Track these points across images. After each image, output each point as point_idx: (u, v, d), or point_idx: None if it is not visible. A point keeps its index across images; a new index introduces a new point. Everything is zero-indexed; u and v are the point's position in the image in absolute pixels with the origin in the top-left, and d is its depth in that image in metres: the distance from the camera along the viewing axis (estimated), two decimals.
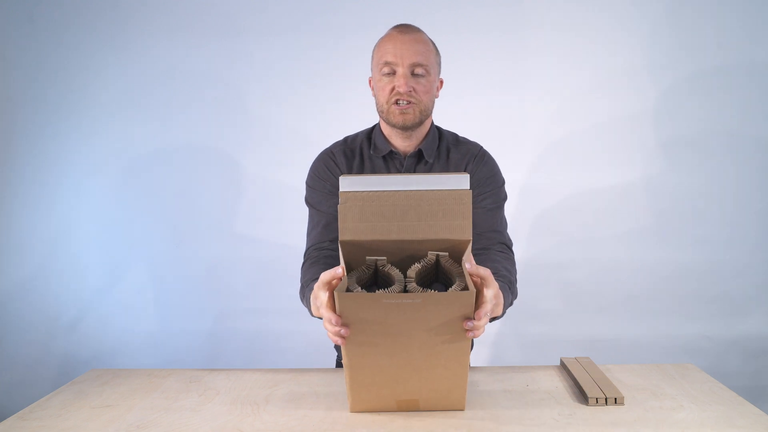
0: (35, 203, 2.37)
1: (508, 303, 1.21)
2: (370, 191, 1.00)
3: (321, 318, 1.04)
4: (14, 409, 1.20)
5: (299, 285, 1.32)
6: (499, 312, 1.15)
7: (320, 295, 1.00)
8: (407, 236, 1.02)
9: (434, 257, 1.04)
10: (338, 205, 1.01)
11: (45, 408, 1.17)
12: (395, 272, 1.02)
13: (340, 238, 1.02)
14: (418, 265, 1.02)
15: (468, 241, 1.02)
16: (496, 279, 1.17)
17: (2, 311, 2.40)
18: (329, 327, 0.99)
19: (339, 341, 1.00)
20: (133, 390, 1.25)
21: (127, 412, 1.14)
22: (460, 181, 1.01)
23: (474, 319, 0.97)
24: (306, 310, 1.27)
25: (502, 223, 1.41)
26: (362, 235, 1.02)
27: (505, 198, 1.42)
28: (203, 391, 1.24)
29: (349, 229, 1.01)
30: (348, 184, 1.00)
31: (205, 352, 2.40)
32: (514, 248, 1.42)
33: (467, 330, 0.98)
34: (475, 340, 1.62)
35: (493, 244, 1.35)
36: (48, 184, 2.37)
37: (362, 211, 1.00)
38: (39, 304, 2.40)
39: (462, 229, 1.02)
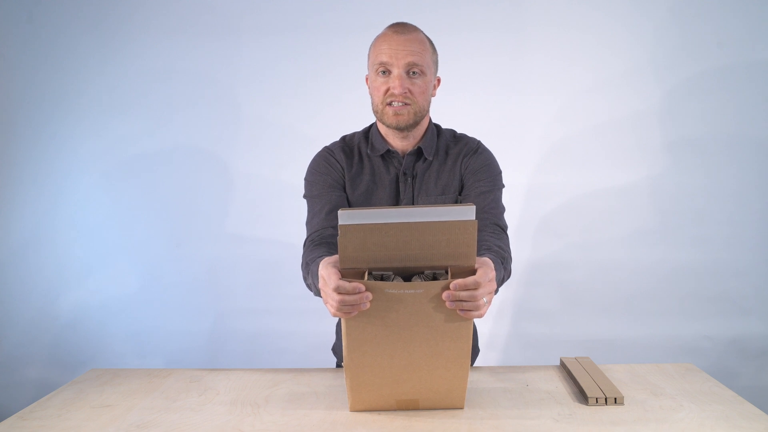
0: (34, 203, 2.37)
1: (500, 278, 1.17)
2: (371, 224, 0.96)
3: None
4: (14, 409, 1.21)
5: (301, 271, 1.29)
6: (492, 287, 1.11)
7: (332, 270, 0.99)
8: (410, 264, 1.01)
9: (431, 274, 1.03)
10: (338, 237, 0.97)
11: (45, 408, 1.17)
12: (398, 279, 1.03)
13: (340, 266, 0.99)
14: (419, 278, 1.03)
15: (472, 267, 1.01)
16: (487, 254, 1.17)
17: (2, 311, 2.40)
18: (345, 298, 0.96)
19: (345, 315, 0.99)
20: (133, 390, 1.25)
21: (127, 412, 1.14)
22: (466, 213, 0.97)
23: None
24: (304, 307, 1.27)
25: (497, 206, 1.38)
26: (363, 264, 1.00)
27: (501, 186, 1.41)
28: (203, 391, 1.24)
29: (350, 258, 0.99)
30: (347, 217, 0.96)
31: (205, 352, 2.40)
32: (515, 249, 1.41)
33: (458, 308, 0.98)
34: (481, 344, 1.61)
35: (486, 225, 1.32)
36: (47, 184, 2.37)
37: (363, 242, 0.97)
38: (39, 304, 2.40)
39: (466, 257, 1.00)
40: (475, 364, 1.49)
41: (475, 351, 1.55)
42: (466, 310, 0.98)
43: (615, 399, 1.14)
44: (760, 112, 2.28)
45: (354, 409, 1.11)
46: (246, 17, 2.31)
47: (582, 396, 1.17)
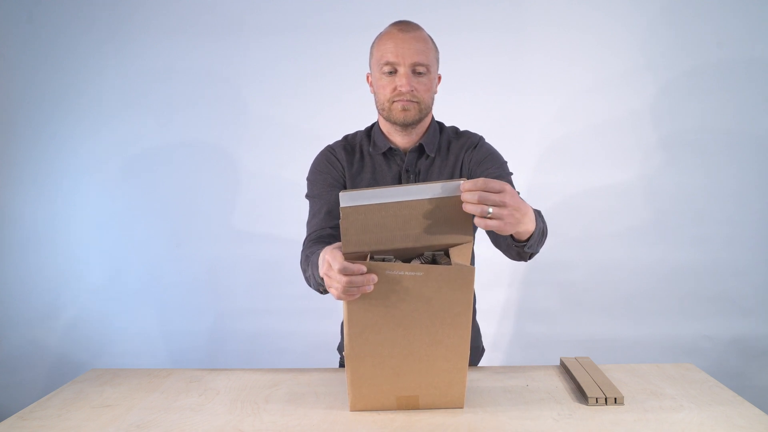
0: (34, 203, 2.37)
1: (539, 229, 1.13)
2: (371, 204, 0.98)
3: (327, 291, 1.03)
4: (14, 409, 1.21)
5: (301, 265, 1.28)
6: (531, 227, 1.07)
7: (337, 253, 0.98)
8: (410, 244, 1.02)
9: (431, 255, 1.06)
10: (340, 220, 0.99)
11: (45, 408, 1.17)
12: (399, 263, 1.04)
13: (343, 251, 1.01)
14: (418, 260, 1.05)
15: (469, 241, 1.03)
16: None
17: (2, 311, 2.40)
18: (352, 278, 0.96)
19: (349, 297, 0.98)
20: (133, 390, 1.25)
21: (127, 412, 1.14)
22: (459, 187, 0.99)
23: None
24: (304, 307, 1.27)
25: (514, 187, 1.39)
26: (366, 246, 1.01)
27: (510, 173, 1.41)
28: (203, 391, 1.24)
29: (352, 242, 1.00)
30: (348, 199, 0.98)
31: (205, 352, 2.40)
32: None
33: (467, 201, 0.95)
34: (486, 344, 1.60)
35: None
36: (47, 184, 2.36)
37: (365, 224, 0.99)
38: (39, 304, 2.40)
39: (464, 232, 1.02)
40: (477, 366, 1.49)
41: (480, 351, 1.55)
42: (485, 212, 0.95)
43: (615, 399, 1.14)
44: (759, 111, 2.28)
45: (354, 409, 1.12)
46: (246, 17, 2.31)
47: (582, 396, 1.17)
